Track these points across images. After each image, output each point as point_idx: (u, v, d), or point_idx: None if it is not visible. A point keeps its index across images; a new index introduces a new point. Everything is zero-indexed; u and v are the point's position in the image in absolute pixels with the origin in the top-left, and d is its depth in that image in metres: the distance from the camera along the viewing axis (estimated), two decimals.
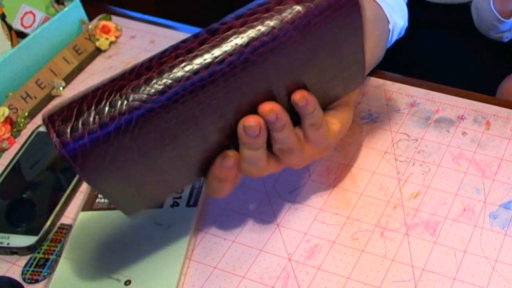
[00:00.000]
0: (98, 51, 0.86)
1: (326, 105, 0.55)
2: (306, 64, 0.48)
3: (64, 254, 0.59)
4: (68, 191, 0.65)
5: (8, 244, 0.60)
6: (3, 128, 0.72)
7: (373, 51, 0.71)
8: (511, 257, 0.57)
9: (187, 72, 0.43)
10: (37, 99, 0.78)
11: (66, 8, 0.84)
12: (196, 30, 0.88)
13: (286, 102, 0.50)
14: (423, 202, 0.62)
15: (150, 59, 0.44)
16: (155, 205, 0.52)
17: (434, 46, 1.01)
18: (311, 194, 0.64)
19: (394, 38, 0.78)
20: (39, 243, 0.61)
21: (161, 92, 0.42)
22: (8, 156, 0.71)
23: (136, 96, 0.42)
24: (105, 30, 0.86)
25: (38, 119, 0.76)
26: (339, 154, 0.68)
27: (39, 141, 0.71)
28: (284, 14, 0.45)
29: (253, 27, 0.44)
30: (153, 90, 0.42)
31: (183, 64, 0.43)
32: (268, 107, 0.49)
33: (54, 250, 0.60)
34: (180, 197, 0.63)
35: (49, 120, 0.42)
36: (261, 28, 0.44)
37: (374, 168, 0.66)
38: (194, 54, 0.43)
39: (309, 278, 0.57)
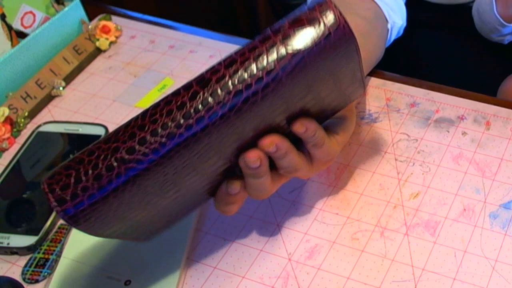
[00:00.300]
0: (98, 51, 0.86)
1: (327, 118, 0.54)
2: (302, 98, 0.47)
3: (64, 254, 0.59)
4: None
5: (8, 244, 0.60)
6: (3, 128, 0.72)
7: (373, 51, 0.71)
8: (511, 257, 0.57)
9: (180, 128, 0.43)
10: (37, 99, 0.78)
11: (66, 8, 0.84)
12: (196, 30, 0.89)
13: (286, 126, 0.49)
14: (423, 202, 0.62)
15: (143, 116, 0.44)
16: (169, 228, 0.54)
17: (434, 46, 1.01)
18: (311, 194, 0.64)
19: (393, 37, 0.78)
20: (39, 243, 0.61)
21: (155, 152, 0.43)
22: (8, 156, 0.71)
23: (131, 157, 0.43)
24: (105, 30, 0.86)
25: (38, 119, 0.76)
26: (339, 154, 0.67)
27: (39, 141, 0.71)
28: (275, 59, 0.43)
29: (243, 76, 0.43)
30: (147, 150, 0.43)
31: (175, 122, 0.43)
32: (267, 142, 0.48)
33: (54, 250, 0.60)
34: None
35: (49, 189, 0.43)
36: (251, 78, 0.43)
37: (374, 168, 0.66)
38: (185, 110, 0.43)
39: (309, 278, 0.57)
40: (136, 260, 0.58)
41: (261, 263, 0.58)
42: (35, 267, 0.59)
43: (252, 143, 0.48)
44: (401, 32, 0.79)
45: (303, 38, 0.43)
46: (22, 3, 0.80)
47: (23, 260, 0.60)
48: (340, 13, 0.44)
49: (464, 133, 0.69)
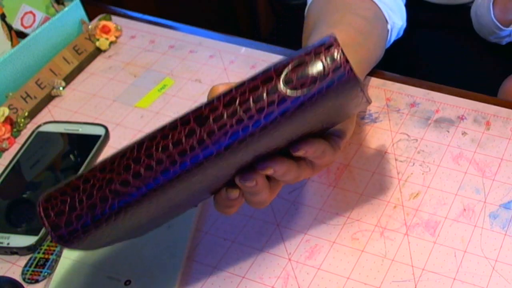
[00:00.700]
0: (98, 51, 0.86)
1: (329, 129, 0.53)
2: (302, 131, 0.47)
3: (64, 254, 0.59)
4: None
5: (8, 244, 0.60)
6: (3, 128, 0.72)
7: (373, 50, 0.71)
8: (511, 257, 0.57)
9: (174, 165, 0.43)
10: (37, 99, 0.77)
11: (66, 8, 0.84)
12: (196, 30, 0.89)
13: (285, 143, 0.49)
14: (423, 202, 0.62)
15: (139, 147, 0.44)
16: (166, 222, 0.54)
17: (434, 46, 1.01)
18: (311, 194, 0.64)
19: (393, 38, 0.78)
20: (39, 243, 0.61)
21: (149, 186, 0.43)
22: (8, 156, 0.71)
23: (125, 190, 0.43)
24: (105, 30, 0.86)
25: (38, 119, 0.76)
26: (339, 154, 0.67)
27: (39, 141, 0.71)
28: (275, 102, 0.43)
29: (241, 118, 0.43)
30: (141, 184, 0.43)
31: (170, 159, 0.43)
32: (265, 167, 0.48)
33: (54, 250, 0.60)
34: None
35: (44, 214, 0.44)
36: (249, 120, 0.43)
37: (374, 168, 0.66)
38: (181, 148, 0.43)
39: (309, 278, 0.57)
40: (136, 260, 0.58)
41: (261, 263, 0.58)
42: (35, 267, 0.59)
43: (250, 163, 0.48)
44: (401, 33, 0.79)
45: (305, 82, 0.43)
46: (22, 3, 0.80)
47: (23, 260, 0.60)
48: (346, 58, 0.43)
49: (464, 133, 0.69)
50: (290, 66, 0.43)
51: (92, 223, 0.43)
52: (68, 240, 0.44)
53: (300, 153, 0.48)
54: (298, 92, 0.43)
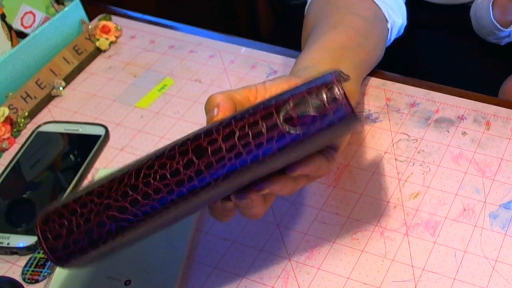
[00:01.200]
0: (98, 51, 0.86)
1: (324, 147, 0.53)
2: (299, 158, 0.47)
3: None
4: (68, 191, 0.65)
5: (8, 244, 0.60)
6: (3, 128, 0.72)
7: (373, 51, 0.71)
8: (511, 257, 0.57)
9: (172, 194, 0.44)
10: (37, 99, 0.78)
11: (66, 8, 0.84)
12: (196, 30, 0.89)
13: (282, 166, 0.49)
14: (423, 202, 0.62)
15: (137, 174, 0.44)
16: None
17: (434, 46, 1.01)
18: (311, 194, 0.64)
19: (393, 37, 0.78)
20: (39, 243, 0.61)
21: (145, 213, 0.44)
22: (8, 156, 0.71)
23: (122, 216, 0.44)
24: (105, 30, 0.86)
25: (38, 119, 0.76)
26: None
27: (39, 141, 0.71)
28: (274, 139, 0.43)
29: (239, 152, 0.43)
30: (138, 212, 0.44)
31: (168, 188, 0.44)
32: (262, 188, 0.47)
33: None
34: None
35: (42, 236, 0.45)
36: (247, 154, 0.43)
37: (374, 168, 0.66)
38: (178, 178, 0.44)
39: (309, 278, 0.57)
40: (136, 260, 0.58)
41: (261, 263, 0.58)
42: (35, 267, 0.59)
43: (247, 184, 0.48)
44: (402, 31, 0.79)
45: (305, 122, 0.43)
46: (22, 3, 0.80)
47: (23, 260, 0.60)
48: (347, 98, 0.43)
49: (464, 133, 0.69)
50: (291, 103, 0.43)
51: (89, 246, 0.45)
52: (66, 262, 0.45)
53: (296, 173, 0.48)
54: (298, 130, 0.43)
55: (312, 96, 0.43)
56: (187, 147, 0.44)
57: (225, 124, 0.44)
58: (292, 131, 0.43)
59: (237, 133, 0.43)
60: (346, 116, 0.43)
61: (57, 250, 0.45)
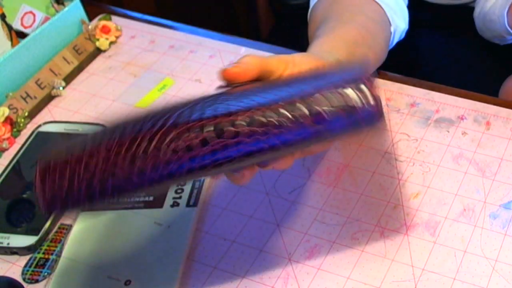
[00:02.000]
0: (98, 51, 0.86)
1: None
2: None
3: (64, 254, 0.59)
4: None
5: (8, 244, 0.60)
6: (3, 128, 0.72)
7: (379, 53, 0.71)
8: (511, 257, 0.57)
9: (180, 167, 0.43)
10: (37, 99, 0.78)
11: (66, 8, 0.84)
12: (196, 30, 0.89)
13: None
14: (423, 202, 0.62)
15: (150, 140, 0.44)
16: None
17: (434, 46, 1.00)
18: (311, 194, 0.64)
19: (395, 41, 0.78)
20: (39, 243, 0.61)
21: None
22: (8, 156, 0.71)
23: (126, 193, 0.44)
24: (105, 30, 0.86)
25: (38, 119, 0.76)
26: (339, 154, 0.68)
27: (39, 141, 0.71)
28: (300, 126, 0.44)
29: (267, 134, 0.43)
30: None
31: (178, 161, 0.43)
32: (266, 166, 0.48)
33: (54, 250, 0.60)
34: (180, 197, 0.63)
35: (41, 189, 0.45)
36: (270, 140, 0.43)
37: (374, 168, 0.66)
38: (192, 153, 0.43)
39: (309, 278, 0.57)
40: (136, 260, 0.58)
41: (261, 263, 0.58)
42: (35, 267, 0.59)
43: None
44: (403, 35, 0.79)
45: (333, 117, 0.43)
46: (22, 3, 0.80)
47: (23, 260, 0.60)
48: (376, 99, 0.43)
49: (464, 133, 0.69)
50: (321, 97, 0.43)
51: (88, 202, 0.44)
52: (61, 212, 0.46)
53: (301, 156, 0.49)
54: (324, 125, 0.43)
55: (343, 92, 0.43)
56: (206, 126, 0.44)
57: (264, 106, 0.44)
58: (319, 126, 0.43)
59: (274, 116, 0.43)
60: (373, 116, 0.43)
61: (55, 207, 0.45)
